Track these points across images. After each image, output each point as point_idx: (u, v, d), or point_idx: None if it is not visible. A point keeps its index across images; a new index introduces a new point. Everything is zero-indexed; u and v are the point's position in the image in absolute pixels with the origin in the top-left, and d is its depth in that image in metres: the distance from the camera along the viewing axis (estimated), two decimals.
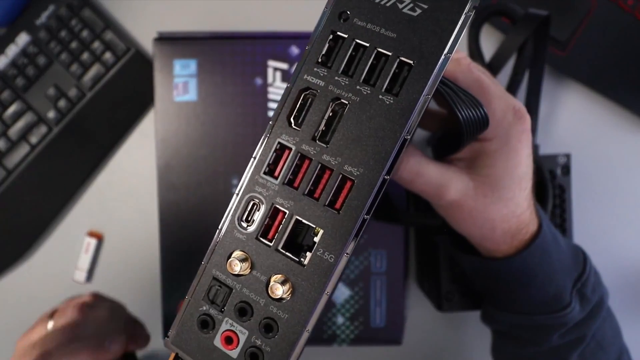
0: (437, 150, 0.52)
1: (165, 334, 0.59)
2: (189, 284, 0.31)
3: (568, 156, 0.65)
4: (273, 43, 0.61)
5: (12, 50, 0.69)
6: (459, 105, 0.39)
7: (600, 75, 0.68)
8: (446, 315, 0.68)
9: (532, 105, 0.65)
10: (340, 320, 0.60)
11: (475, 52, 0.63)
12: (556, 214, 0.65)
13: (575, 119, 0.70)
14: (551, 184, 0.62)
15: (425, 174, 0.45)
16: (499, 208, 0.46)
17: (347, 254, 0.29)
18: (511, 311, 0.52)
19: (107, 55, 0.70)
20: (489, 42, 0.70)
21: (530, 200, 0.48)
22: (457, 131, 0.41)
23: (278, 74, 0.61)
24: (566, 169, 0.65)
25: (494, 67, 0.61)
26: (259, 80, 0.61)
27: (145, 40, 0.72)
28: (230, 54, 0.61)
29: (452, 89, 0.39)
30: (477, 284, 0.56)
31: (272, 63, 0.61)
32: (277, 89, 0.60)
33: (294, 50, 0.61)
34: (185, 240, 0.62)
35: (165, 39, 0.61)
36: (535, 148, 0.61)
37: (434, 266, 0.63)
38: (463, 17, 0.28)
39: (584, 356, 0.52)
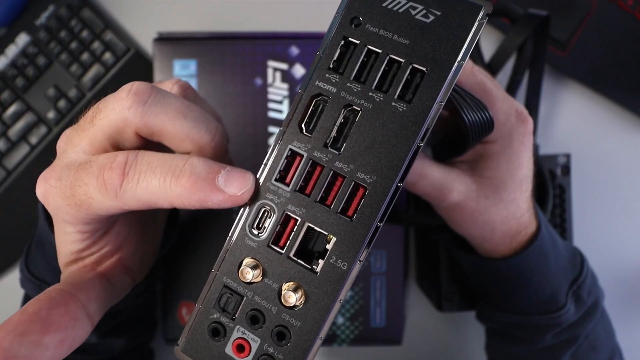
0: (440, 152, 0.52)
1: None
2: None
3: (568, 156, 0.65)
4: (273, 43, 0.60)
5: (12, 50, 0.69)
6: (465, 109, 0.39)
7: (600, 75, 0.68)
8: (446, 315, 0.68)
9: (532, 106, 0.65)
10: (340, 320, 0.60)
11: (475, 53, 0.63)
12: (556, 214, 0.65)
13: (575, 119, 0.70)
14: (551, 184, 0.62)
15: (428, 176, 0.45)
16: (499, 210, 0.46)
17: (360, 261, 0.29)
18: (507, 310, 0.52)
19: (107, 56, 0.69)
20: (489, 42, 0.70)
21: (530, 203, 0.48)
22: (461, 134, 0.41)
23: (278, 74, 0.60)
24: (566, 169, 0.65)
25: (493, 67, 0.61)
26: (259, 81, 0.60)
27: (145, 40, 0.72)
28: (230, 54, 0.60)
29: (457, 92, 0.39)
30: (474, 282, 0.56)
31: (272, 63, 0.60)
32: (277, 90, 0.60)
33: (294, 50, 0.61)
34: (185, 241, 0.62)
35: (165, 39, 0.61)
36: (535, 148, 0.61)
37: (434, 266, 0.63)
38: (476, 24, 0.28)
39: (576, 356, 0.53)
